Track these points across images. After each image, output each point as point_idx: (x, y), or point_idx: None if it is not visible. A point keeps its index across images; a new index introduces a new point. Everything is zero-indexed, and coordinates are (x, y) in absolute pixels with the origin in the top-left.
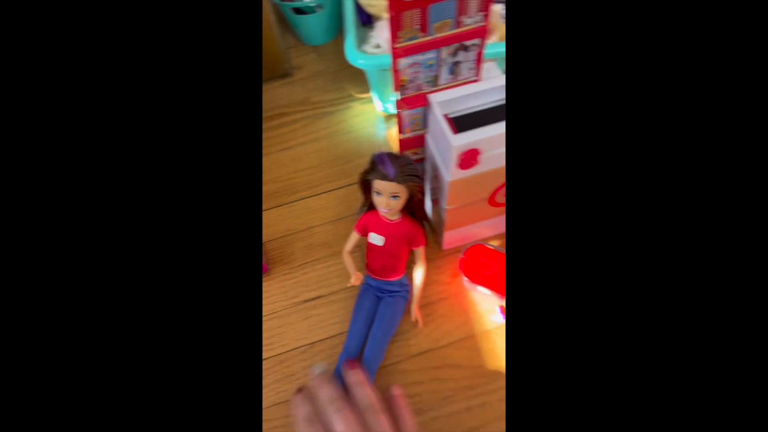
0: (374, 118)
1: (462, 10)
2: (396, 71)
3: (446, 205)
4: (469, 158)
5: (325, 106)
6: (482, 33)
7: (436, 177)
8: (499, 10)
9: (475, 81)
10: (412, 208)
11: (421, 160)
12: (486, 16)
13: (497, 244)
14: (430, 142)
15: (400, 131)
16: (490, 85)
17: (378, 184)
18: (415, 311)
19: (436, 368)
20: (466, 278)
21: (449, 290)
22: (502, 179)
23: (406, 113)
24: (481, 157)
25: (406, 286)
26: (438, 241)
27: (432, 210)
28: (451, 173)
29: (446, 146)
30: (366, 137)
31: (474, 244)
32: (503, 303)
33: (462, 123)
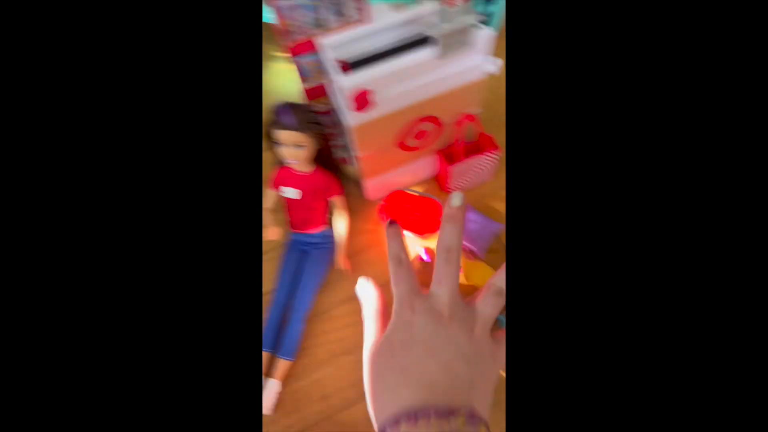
0: (295, 77)
1: None
2: (280, 15)
3: (358, 152)
4: (362, 99)
5: None
6: None
7: (343, 125)
8: None
9: (364, 22)
10: (325, 159)
11: (328, 113)
12: None
13: (421, 189)
14: (332, 88)
15: (302, 80)
16: (383, 24)
17: (280, 134)
18: (341, 260)
19: None
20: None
21: (376, 238)
22: (407, 121)
23: (301, 60)
24: (377, 98)
25: (330, 237)
26: (361, 192)
27: (355, 161)
28: (350, 117)
29: (339, 89)
30: (287, 97)
31: (396, 190)
32: (426, 244)
33: (358, 65)
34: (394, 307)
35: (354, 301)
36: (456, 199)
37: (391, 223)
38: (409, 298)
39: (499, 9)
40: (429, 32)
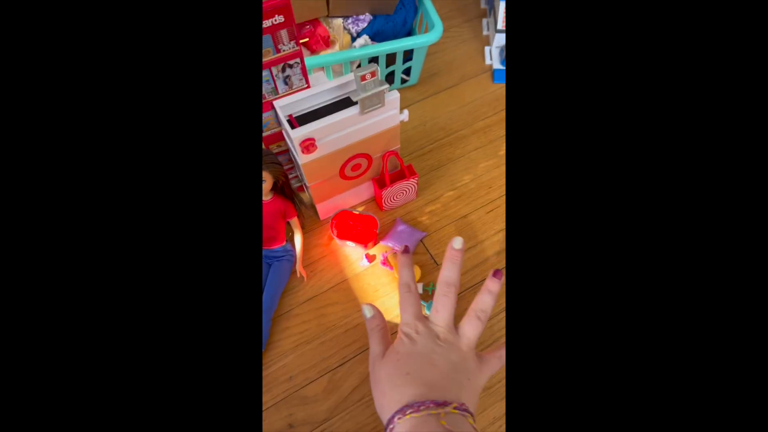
0: None
1: (276, 41)
2: None
3: (307, 182)
4: (309, 145)
5: None
6: (298, 55)
7: (296, 162)
8: (340, 23)
9: (306, 88)
10: (282, 189)
11: (286, 151)
12: (297, 43)
13: (361, 208)
14: (285, 136)
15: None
16: (320, 89)
17: None
18: (299, 269)
19: (320, 308)
20: (336, 237)
21: (327, 250)
22: (345, 158)
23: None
24: (319, 144)
25: (290, 251)
26: (315, 214)
27: (308, 189)
28: (300, 158)
29: (290, 138)
30: None
31: (341, 211)
32: (367, 251)
33: (303, 120)
34: (401, 326)
35: (311, 301)
36: (457, 243)
37: (405, 251)
38: (413, 322)
39: (418, 63)
40: (352, 97)
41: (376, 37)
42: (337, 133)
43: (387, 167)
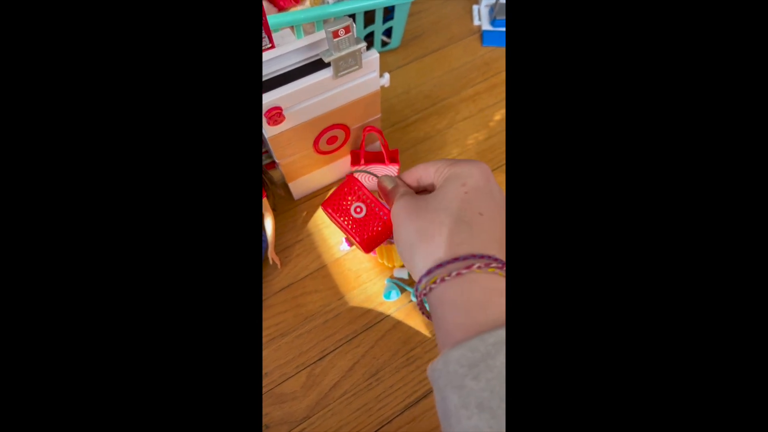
0: None
1: None
2: None
3: (277, 159)
4: (275, 115)
5: None
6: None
7: (263, 136)
8: None
9: (271, 48)
10: None
11: None
12: None
13: None
14: None
15: None
16: (286, 49)
17: None
18: (271, 255)
19: (297, 297)
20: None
21: (304, 233)
22: (318, 130)
23: None
24: (287, 113)
25: (261, 236)
26: (288, 194)
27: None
28: (267, 130)
29: None
30: None
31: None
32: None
33: (267, 85)
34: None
35: (286, 290)
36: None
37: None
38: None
39: (400, 23)
40: (324, 58)
41: None
42: (307, 101)
43: (364, 142)
